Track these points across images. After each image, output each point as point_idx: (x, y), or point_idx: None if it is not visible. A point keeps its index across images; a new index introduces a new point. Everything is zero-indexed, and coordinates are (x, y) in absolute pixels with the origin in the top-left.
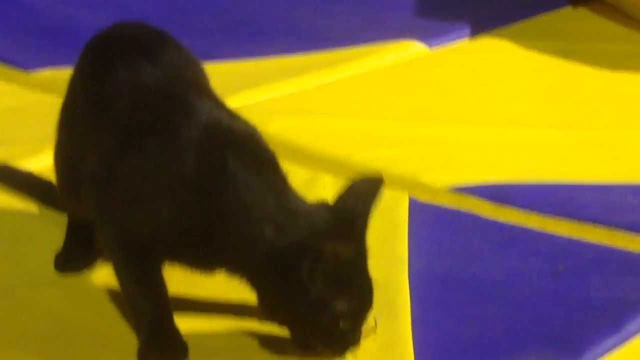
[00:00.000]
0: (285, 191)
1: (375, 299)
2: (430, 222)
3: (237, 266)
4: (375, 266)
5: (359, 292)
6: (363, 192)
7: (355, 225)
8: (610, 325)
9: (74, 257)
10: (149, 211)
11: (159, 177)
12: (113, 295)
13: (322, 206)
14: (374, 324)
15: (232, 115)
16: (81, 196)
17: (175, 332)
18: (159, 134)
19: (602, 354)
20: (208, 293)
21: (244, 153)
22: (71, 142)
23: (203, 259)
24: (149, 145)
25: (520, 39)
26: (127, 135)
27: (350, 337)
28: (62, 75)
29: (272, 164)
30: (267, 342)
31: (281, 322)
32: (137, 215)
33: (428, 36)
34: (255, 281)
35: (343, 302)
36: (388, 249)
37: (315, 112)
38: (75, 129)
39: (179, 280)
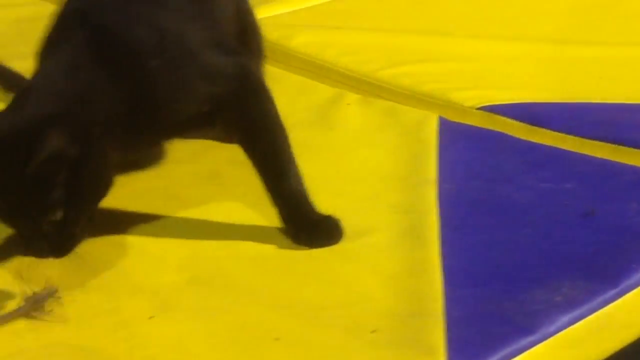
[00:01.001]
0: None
1: (399, 220)
2: (460, 143)
3: None
4: (403, 187)
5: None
6: None
7: None
8: None
9: None
10: None
11: None
12: None
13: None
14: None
15: None
16: None
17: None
18: None
19: (638, 283)
20: None
21: None
22: None
23: None
24: None
25: None
26: None
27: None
28: None
29: None
30: None
31: None
32: None
33: None
34: None
35: None
36: (415, 169)
37: (340, 26)
38: None
39: None
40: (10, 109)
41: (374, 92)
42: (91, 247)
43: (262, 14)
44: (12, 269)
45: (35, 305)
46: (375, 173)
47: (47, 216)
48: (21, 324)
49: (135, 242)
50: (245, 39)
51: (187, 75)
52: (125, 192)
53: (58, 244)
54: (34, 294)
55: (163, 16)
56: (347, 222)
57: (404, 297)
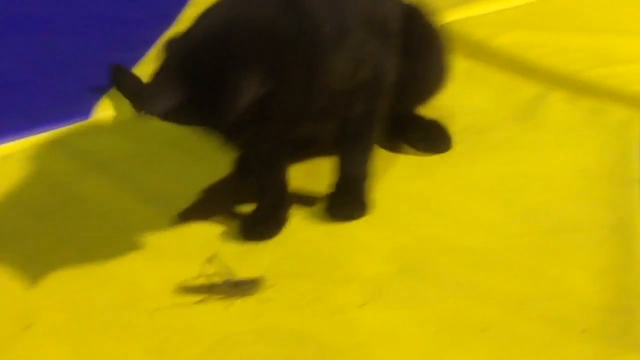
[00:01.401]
0: None
1: (605, 216)
2: None
3: None
4: (609, 185)
5: None
6: None
7: None
8: None
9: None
10: None
11: None
12: None
13: None
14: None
15: None
16: None
17: None
18: None
19: None
20: None
21: None
22: None
23: None
24: None
25: None
26: None
27: None
28: None
29: None
30: None
31: None
32: None
33: None
34: None
35: None
36: (621, 168)
37: (545, 26)
38: None
39: None
40: (209, 34)
41: (580, 92)
42: (302, 236)
43: (467, 13)
44: (224, 256)
45: (235, 289)
46: (581, 170)
47: (243, 132)
48: (234, 310)
49: (344, 232)
50: (412, 41)
51: (346, 48)
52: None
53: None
54: (237, 279)
55: None
56: (554, 218)
57: (612, 292)
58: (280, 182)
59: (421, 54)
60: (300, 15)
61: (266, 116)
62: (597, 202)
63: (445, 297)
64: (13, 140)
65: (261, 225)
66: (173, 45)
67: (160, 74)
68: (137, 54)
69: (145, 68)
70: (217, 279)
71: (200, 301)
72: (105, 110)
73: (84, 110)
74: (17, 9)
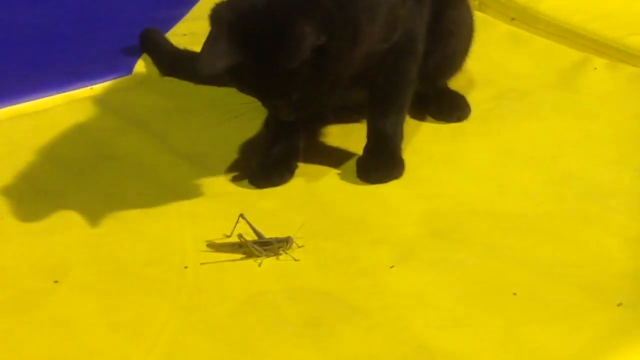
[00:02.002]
0: None
1: (637, 183)
2: None
3: None
4: None
5: None
6: None
7: None
8: None
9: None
10: None
11: None
12: None
13: None
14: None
15: None
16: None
17: None
18: None
19: None
20: None
21: None
22: None
23: None
24: None
25: None
26: None
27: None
28: None
29: None
30: None
31: None
32: None
33: None
34: None
35: None
36: None
37: None
38: None
39: None
40: None
41: (622, 58)
42: (334, 197)
43: None
44: (255, 215)
45: (265, 249)
46: (620, 137)
47: (295, 92)
48: (263, 269)
49: (376, 193)
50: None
51: (382, 10)
52: None
53: (299, 108)
54: (266, 239)
55: None
56: (589, 184)
57: None
58: (295, 132)
59: (452, 33)
60: None
61: (314, 75)
62: (633, 169)
63: (476, 260)
64: (54, 94)
65: (270, 172)
66: (222, 11)
67: (215, 36)
68: (180, 12)
69: (188, 26)
70: (246, 238)
71: (230, 260)
72: (145, 67)
73: (126, 67)
74: None
